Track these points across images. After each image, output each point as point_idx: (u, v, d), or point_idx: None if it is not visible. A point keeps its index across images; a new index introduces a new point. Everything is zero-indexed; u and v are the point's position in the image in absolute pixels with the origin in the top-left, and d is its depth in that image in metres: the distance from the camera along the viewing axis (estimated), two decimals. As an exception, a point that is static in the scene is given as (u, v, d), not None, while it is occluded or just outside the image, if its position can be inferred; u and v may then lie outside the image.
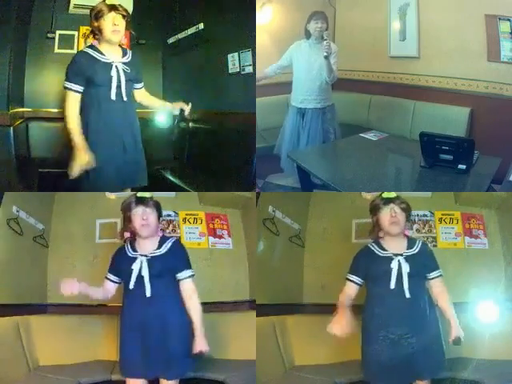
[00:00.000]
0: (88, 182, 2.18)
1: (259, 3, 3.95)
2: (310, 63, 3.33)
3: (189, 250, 2.67)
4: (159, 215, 1.85)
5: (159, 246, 1.83)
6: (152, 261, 1.78)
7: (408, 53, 4.19)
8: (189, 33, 3.56)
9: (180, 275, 1.81)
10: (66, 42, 3.63)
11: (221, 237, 2.78)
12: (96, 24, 2.13)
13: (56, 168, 3.25)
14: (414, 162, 2.66)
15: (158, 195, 1.97)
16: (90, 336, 2.29)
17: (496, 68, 3.48)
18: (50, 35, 3.57)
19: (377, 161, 2.88)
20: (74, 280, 1.70)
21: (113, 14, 2.09)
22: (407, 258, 1.80)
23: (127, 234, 1.84)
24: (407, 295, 1.75)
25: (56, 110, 3.56)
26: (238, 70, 3.13)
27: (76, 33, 3.65)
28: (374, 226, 1.89)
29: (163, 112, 2.68)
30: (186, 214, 2.76)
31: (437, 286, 1.82)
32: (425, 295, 1.82)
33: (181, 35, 3.69)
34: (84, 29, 3.61)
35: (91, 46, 2.17)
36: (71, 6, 3.52)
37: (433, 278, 1.83)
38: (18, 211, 2.25)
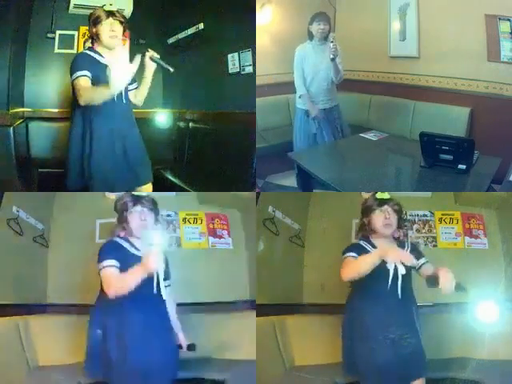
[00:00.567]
0: (92, 186, 2.20)
1: (259, 3, 3.95)
2: (316, 65, 3.32)
3: (189, 250, 2.70)
4: (156, 214, 1.84)
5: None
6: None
7: (408, 53, 4.19)
8: (189, 33, 3.56)
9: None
10: (66, 42, 3.63)
11: (221, 237, 2.78)
12: (94, 30, 2.18)
13: (56, 168, 3.26)
14: (414, 162, 2.66)
15: (157, 195, 1.97)
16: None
17: (496, 68, 3.48)
18: (49, 35, 3.57)
19: (377, 161, 2.87)
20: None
21: (110, 20, 2.14)
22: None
23: (122, 234, 1.82)
24: (400, 296, 1.75)
25: (56, 110, 3.57)
26: (238, 69, 3.14)
27: (76, 33, 3.65)
28: (364, 225, 1.89)
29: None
30: (186, 214, 2.76)
31: (427, 269, 1.80)
32: (412, 296, 1.85)
33: (181, 35, 3.69)
34: (84, 29, 3.61)
35: (90, 49, 2.22)
36: (71, 5, 3.52)
37: (422, 266, 1.82)
38: (17, 211, 2.25)
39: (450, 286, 1.61)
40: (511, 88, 3.39)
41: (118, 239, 1.80)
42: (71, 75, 2.13)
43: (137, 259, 1.69)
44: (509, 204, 2.54)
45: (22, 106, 3.49)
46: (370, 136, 3.26)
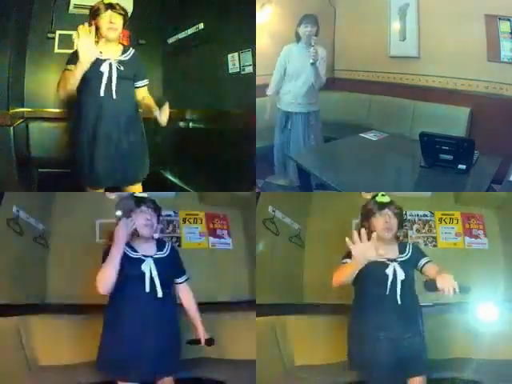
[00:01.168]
0: (84, 178, 2.24)
1: (259, 3, 3.95)
2: (298, 68, 3.36)
3: (189, 250, 2.70)
4: (159, 216, 1.87)
5: (160, 248, 1.86)
6: (157, 262, 1.80)
7: (408, 53, 4.19)
8: (189, 33, 3.56)
9: (179, 279, 1.91)
10: (66, 42, 3.61)
11: (221, 237, 2.78)
12: (94, 22, 2.19)
13: (56, 168, 3.26)
14: (414, 162, 2.66)
15: (158, 195, 1.98)
16: (91, 335, 2.29)
17: (496, 68, 3.48)
18: (50, 35, 3.57)
19: (377, 161, 2.88)
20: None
21: (109, 12, 2.16)
22: (401, 264, 1.81)
23: None
24: (399, 301, 1.76)
25: (56, 110, 3.56)
26: (238, 69, 3.13)
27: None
28: (364, 229, 1.87)
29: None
30: (186, 214, 2.76)
31: (431, 269, 1.80)
32: (414, 297, 1.84)
33: (181, 35, 3.69)
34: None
35: None
36: (71, 6, 3.51)
37: (424, 265, 1.82)
38: (18, 211, 2.25)
39: (449, 291, 1.60)
40: (511, 88, 3.40)
41: None
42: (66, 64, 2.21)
43: (129, 260, 1.75)
44: (509, 204, 2.54)
45: (22, 106, 3.48)
46: (370, 136, 3.26)
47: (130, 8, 3.56)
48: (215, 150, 3.33)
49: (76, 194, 2.53)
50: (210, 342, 1.93)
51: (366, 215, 1.86)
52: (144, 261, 1.79)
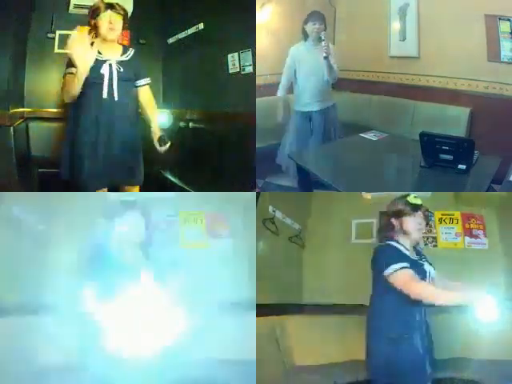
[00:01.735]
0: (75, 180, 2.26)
1: (259, 3, 3.95)
2: (311, 66, 3.32)
3: (190, 250, 2.70)
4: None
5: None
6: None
7: (408, 53, 4.19)
8: (189, 33, 3.56)
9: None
10: (66, 42, 3.61)
11: (221, 237, 2.77)
12: (93, 22, 2.18)
13: (56, 168, 3.25)
14: (414, 162, 2.66)
15: (157, 195, 1.98)
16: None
17: (496, 68, 3.48)
18: (50, 35, 3.57)
19: (377, 161, 2.87)
20: None
21: (109, 12, 2.15)
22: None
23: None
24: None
25: (56, 110, 3.56)
26: (238, 69, 3.13)
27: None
28: (393, 227, 1.86)
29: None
30: (187, 214, 2.76)
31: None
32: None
33: (181, 35, 3.69)
34: (84, 29, 3.61)
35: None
36: (71, 6, 3.52)
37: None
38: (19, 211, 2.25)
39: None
40: (511, 88, 3.40)
41: None
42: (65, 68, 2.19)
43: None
44: (509, 204, 2.54)
45: (22, 106, 3.48)
46: (370, 136, 3.26)
47: (130, 8, 3.57)
48: (215, 149, 3.33)
49: (76, 194, 2.53)
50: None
51: (398, 214, 1.86)
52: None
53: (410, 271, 1.69)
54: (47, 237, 2.51)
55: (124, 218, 1.82)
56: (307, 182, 3.05)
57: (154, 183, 2.54)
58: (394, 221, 1.86)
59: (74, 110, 2.25)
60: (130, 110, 2.33)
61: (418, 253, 1.89)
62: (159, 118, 2.82)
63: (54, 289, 2.45)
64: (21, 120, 3.37)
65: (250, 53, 2.99)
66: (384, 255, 1.78)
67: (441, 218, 2.72)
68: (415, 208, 1.83)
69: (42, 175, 3.39)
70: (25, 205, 2.31)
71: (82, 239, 2.54)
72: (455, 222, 2.71)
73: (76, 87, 2.11)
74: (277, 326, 2.28)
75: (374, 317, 1.83)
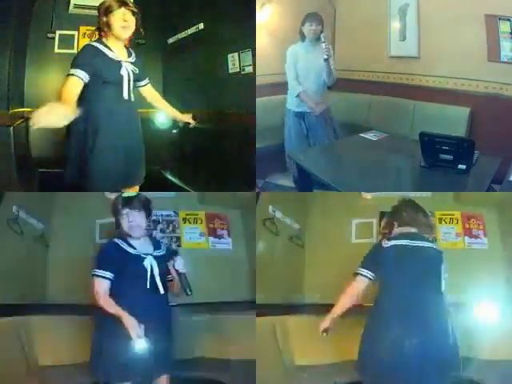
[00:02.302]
0: (89, 183, 2.19)
1: (259, 3, 3.95)
2: (308, 66, 3.32)
3: (189, 250, 2.70)
4: (148, 214, 1.87)
5: (157, 247, 1.88)
6: (158, 260, 1.83)
7: (408, 53, 4.19)
8: (189, 33, 3.57)
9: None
10: (66, 42, 3.63)
11: (221, 237, 2.78)
12: (105, 19, 2.06)
13: (56, 168, 3.25)
14: (414, 162, 2.66)
15: (158, 195, 1.97)
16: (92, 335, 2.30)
17: (496, 68, 3.48)
18: (49, 35, 3.58)
19: (377, 161, 2.87)
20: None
21: (123, 9, 2.04)
22: None
23: (121, 233, 1.85)
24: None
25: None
26: (238, 69, 3.14)
27: (76, 33, 3.65)
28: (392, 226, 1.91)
29: (166, 116, 2.69)
30: (186, 214, 2.76)
31: None
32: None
33: (181, 35, 3.70)
34: (84, 29, 3.61)
35: (98, 41, 2.10)
36: (71, 6, 3.52)
37: None
38: (17, 211, 2.25)
39: None
40: (511, 88, 3.40)
41: (116, 240, 1.83)
42: (70, 68, 2.02)
43: (132, 258, 1.78)
44: (509, 204, 2.54)
45: (22, 106, 3.49)
46: (370, 136, 3.26)
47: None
48: (215, 149, 3.33)
49: (76, 194, 2.53)
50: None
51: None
52: (145, 258, 1.80)
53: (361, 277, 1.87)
54: (47, 237, 2.52)
55: (124, 215, 1.81)
56: (307, 181, 3.05)
57: (154, 183, 2.54)
58: (392, 220, 1.91)
59: (86, 111, 2.15)
60: (137, 110, 2.33)
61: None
62: (160, 117, 2.83)
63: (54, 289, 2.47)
64: (21, 120, 3.37)
65: (249, 53, 2.99)
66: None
67: (441, 218, 2.71)
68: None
69: (42, 175, 3.39)
70: (25, 205, 2.31)
71: (82, 239, 2.56)
72: (455, 221, 2.71)
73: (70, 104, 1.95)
74: (277, 326, 2.28)
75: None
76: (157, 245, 1.90)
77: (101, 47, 2.08)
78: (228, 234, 2.80)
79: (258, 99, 3.02)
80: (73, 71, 1.99)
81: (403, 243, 1.84)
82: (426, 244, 1.87)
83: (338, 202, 2.71)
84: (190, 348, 2.24)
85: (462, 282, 2.38)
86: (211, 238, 2.76)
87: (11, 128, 3.10)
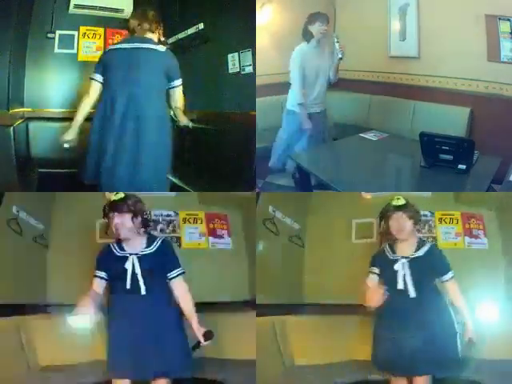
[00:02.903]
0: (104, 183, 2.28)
1: (259, 3, 3.95)
2: (317, 67, 3.29)
3: (189, 250, 2.69)
4: (136, 215, 1.84)
5: (148, 245, 1.85)
6: (143, 259, 1.81)
7: (408, 53, 4.19)
8: (189, 33, 3.56)
9: (171, 274, 1.85)
10: (66, 41, 3.62)
11: (221, 237, 2.77)
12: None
13: (56, 168, 3.26)
14: (414, 162, 2.66)
15: (158, 195, 1.97)
16: (91, 336, 2.30)
17: (496, 68, 3.48)
18: (49, 35, 3.57)
19: (377, 161, 2.88)
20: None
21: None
22: (412, 261, 1.86)
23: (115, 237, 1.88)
24: (412, 295, 1.81)
25: (56, 110, 3.57)
26: (238, 69, 3.14)
27: (76, 33, 3.64)
28: (384, 231, 1.94)
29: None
30: (186, 214, 2.76)
31: (450, 289, 1.88)
32: (433, 295, 1.86)
33: (181, 35, 3.69)
34: (84, 29, 3.61)
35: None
36: (71, 5, 3.52)
37: (446, 281, 1.89)
38: (17, 211, 2.25)
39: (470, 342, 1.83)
40: (511, 88, 3.40)
41: (111, 243, 1.89)
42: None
43: (118, 260, 1.81)
44: (509, 204, 2.54)
45: (22, 106, 3.49)
46: (370, 136, 3.26)
47: (130, 8, 3.58)
48: (215, 149, 3.33)
49: (76, 194, 2.53)
50: (208, 335, 1.85)
51: (383, 218, 1.94)
52: (127, 258, 1.81)
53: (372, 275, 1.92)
54: (47, 237, 2.52)
55: (111, 219, 1.85)
56: (308, 181, 3.06)
57: (153, 183, 2.54)
58: (383, 225, 1.94)
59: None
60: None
61: (418, 248, 1.90)
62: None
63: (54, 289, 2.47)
64: (21, 120, 3.37)
65: (249, 53, 2.99)
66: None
67: (441, 218, 2.71)
68: (396, 209, 1.88)
69: (42, 175, 3.38)
70: (25, 205, 2.31)
71: (82, 239, 2.56)
72: (455, 221, 2.70)
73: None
74: (277, 326, 2.28)
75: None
76: (150, 243, 1.88)
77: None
78: (228, 234, 2.79)
79: (257, 99, 3.02)
80: (93, 76, 2.42)
81: None
82: None
83: (338, 201, 2.71)
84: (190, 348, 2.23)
85: (461, 282, 2.38)
86: (211, 238, 2.75)
87: (11, 128, 3.10)
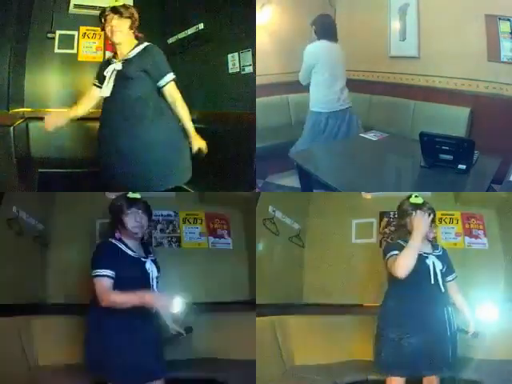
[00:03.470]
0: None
1: (259, 3, 3.95)
2: (332, 65, 3.32)
3: (189, 250, 2.70)
4: (149, 217, 1.87)
5: (149, 251, 1.89)
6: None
7: (408, 53, 4.19)
8: (189, 33, 3.56)
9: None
10: (66, 41, 3.62)
11: (221, 237, 2.78)
12: (102, 26, 2.29)
13: (56, 168, 3.26)
14: (414, 162, 2.65)
15: (158, 195, 1.97)
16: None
17: (496, 68, 3.48)
18: (49, 35, 3.56)
19: (377, 161, 2.87)
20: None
21: (112, 15, 2.23)
22: (438, 257, 1.89)
23: (118, 235, 1.82)
24: (442, 290, 1.84)
25: (56, 110, 3.56)
26: (238, 69, 3.13)
27: (76, 33, 3.64)
28: (400, 227, 1.93)
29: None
30: (186, 214, 2.76)
31: (452, 288, 1.92)
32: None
33: (181, 35, 3.69)
34: (84, 29, 3.61)
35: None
36: (71, 5, 3.52)
37: (450, 281, 1.92)
38: (17, 211, 2.25)
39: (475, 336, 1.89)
40: (511, 88, 3.39)
41: (113, 241, 1.80)
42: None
43: (132, 261, 1.77)
44: (509, 204, 2.54)
45: (22, 106, 3.48)
46: (370, 136, 3.26)
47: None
48: (215, 149, 3.32)
49: (76, 194, 2.53)
50: (187, 330, 1.87)
51: (402, 215, 1.92)
52: (145, 262, 1.80)
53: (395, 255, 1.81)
54: (47, 237, 2.52)
55: (128, 214, 1.80)
56: (307, 182, 3.05)
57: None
58: (401, 222, 1.93)
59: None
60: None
61: (436, 248, 1.94)
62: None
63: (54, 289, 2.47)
64: (21, 120, 3.37)
65: (249, 53, 2.99)
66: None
67: (441, 218, 2.71)
68: (415, 207, 1.87)
69: (42, 175, 3.38)
70: (25, 205, 2.31)
71: (82, 239, 2.56)
72: (455, 221, 2.71)
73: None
74: (277, 326, 2.28)
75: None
76: (147, 249, 1.90)
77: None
78: (228, 234, 2.80)
79: (257, 99, 3.02)
80: (94, 81, 2.39)
81: None
82: None
83: (338, 201, 2.71)
84: (190, 348, 2.24)
85: (462, 282, 2.38)
86: (211, 238, 2.76)
87: (11, 128, 3.10)
